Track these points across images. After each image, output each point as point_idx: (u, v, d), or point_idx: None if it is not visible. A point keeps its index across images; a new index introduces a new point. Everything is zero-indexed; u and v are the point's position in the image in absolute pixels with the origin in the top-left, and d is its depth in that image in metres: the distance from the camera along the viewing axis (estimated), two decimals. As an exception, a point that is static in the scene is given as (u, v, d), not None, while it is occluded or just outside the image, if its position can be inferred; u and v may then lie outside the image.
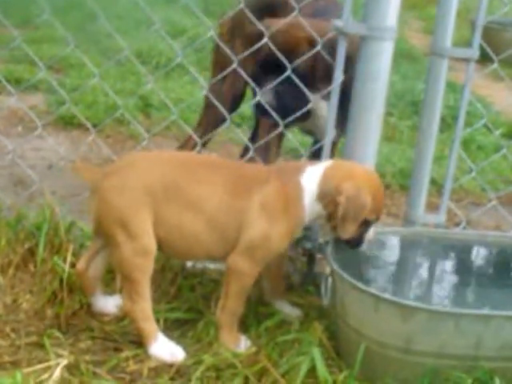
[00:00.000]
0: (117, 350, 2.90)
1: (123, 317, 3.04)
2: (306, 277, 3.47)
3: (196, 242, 2.89)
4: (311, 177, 2.89)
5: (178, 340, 2.96)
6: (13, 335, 2.92)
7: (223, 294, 2.95)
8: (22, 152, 4.65)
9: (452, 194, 3.72)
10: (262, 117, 3.63)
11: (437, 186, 4.42)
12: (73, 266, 3.12)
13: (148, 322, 2.89)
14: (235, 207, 2.86)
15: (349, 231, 2.87)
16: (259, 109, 3.52)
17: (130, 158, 3.04)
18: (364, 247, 3.01)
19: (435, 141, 3.43)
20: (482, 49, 3.37)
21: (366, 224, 2.90)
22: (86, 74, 5.99)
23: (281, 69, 3.37)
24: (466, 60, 3.36)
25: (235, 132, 4.49)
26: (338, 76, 3.21)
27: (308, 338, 2.91)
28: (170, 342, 2.91)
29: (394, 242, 3.31)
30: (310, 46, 3.40)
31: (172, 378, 2.76)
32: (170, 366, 2.82)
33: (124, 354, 2.85)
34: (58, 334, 2.91)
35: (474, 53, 3.33)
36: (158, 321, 2.99)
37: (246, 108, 4.50)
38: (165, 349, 2.88)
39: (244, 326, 3.05)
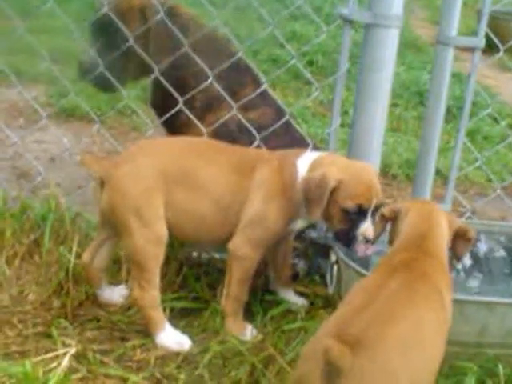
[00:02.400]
0: (123, 339, 2.91)
1: (129, 307, 3.06)
2: (312, 266, 3.47)
3: (202, 224, 2.92)
4: (305, 163, 2.91)
5: (184, 329, 2.97)
6: (20, 326, 2.92)
7: (226, 281, 2.97)
8: (25, 144, 4.65)
9: (457, 184, 3.72)
10: (83, 78, 3.53)
11: (442, 176, 4.42)
12: (78, 256, 3.12)
13: (156, 311, 2.90)
14: (240, 186, 2.91)
15: (314, 213, 2.83)
16: (81, 69, 3.48)
17: (139, 145, 3.04)
18: (360, 249, 2.88)
19: (441, 131, 3.43)
20: (488, 39, 3.37)
21: (347, 214, 2.83)
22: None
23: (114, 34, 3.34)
24: (472, 49, 3.36)
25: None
26: (344, 63, 3.21)
27: (314, 327, 2.91)
28: (177, 331, 2.92)
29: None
30: (141, 12, 3.37)
31: (179, 367, 2.77)
32: (177, 354, 2.83)
33: (131, 343, 2.86)
34: (65, 323, 2.92)
35: (480, 41, 3.32)
36: (164, 310, 3.00)
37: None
38: (172, 337, 2.89)
39: (250, 315, 3.06)
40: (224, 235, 2.95)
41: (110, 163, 2.94)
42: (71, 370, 2.55)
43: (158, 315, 2.91)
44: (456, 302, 2.62)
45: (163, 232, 2.86)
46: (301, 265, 3.51)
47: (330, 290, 3.10)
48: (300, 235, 3.46)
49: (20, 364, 2.49)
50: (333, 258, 3.18)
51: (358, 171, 2.86)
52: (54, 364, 2.54)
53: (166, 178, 2.85)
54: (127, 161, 2.90)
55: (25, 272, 3.23)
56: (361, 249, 2.87)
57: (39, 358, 2.59)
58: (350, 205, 2.80)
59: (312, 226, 3.50)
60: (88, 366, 2.64)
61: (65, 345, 2.74)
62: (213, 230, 2.95)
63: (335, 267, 3.17)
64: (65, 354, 2.59)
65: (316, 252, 3.49)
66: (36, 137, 4.82)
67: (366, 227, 2.83)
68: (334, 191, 2.80)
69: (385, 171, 4.87)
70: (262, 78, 3.51)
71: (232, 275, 2.95)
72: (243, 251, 2.92)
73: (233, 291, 2.95)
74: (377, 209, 2.83)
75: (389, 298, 2.13)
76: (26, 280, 3.20)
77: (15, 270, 3.23)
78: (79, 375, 2.55)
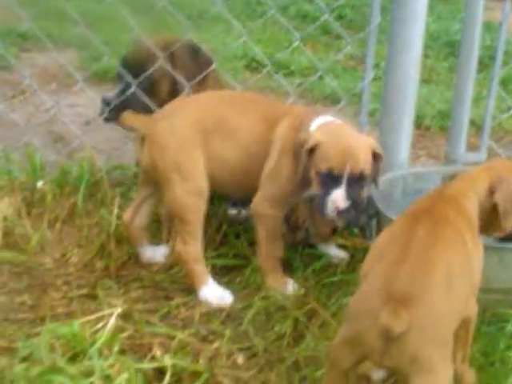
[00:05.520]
0: (167, 298, 2.95)
1: (172, 266, 3.09)
2: (351, 219, 3.47)
3: (233, 173, 2.94)
4: (317, 124, 2.86)
5: (227, 286, 3.00)
6: (64, 288, 2.97)
7: (257, 240, 2.99)
8: (59, 109, 4.66)
9: (491, 133, 3.68)
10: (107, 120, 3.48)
11: (476, 126, 4.37)
12: (119, 218, 3.16)
13: (199, 264, 2.93)
14: (264, 137, 2.91)
15: (297, 173, 2.78)
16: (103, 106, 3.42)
17: (177, 103, 3.06)
18: (332, 215, 2.76)
19: (474, 81, 3.39)
20: (518, -15, 3.31)
21: (320, 178, 2.75)
22: (118, 28, 5.94)
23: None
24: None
25: (273, 79, 4.46)
26: (376, 16, 3.18)
27: (355, 279, 2.92)
28: (219, 286, 2.95)
29: (436, 181, 3.29)
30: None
31: (223, 323, 2.81)
32: (221, 310, 2.87)
33: (175, 302, 2.90)
34: (109, 283, 2.97)
35: (511, -12, 3.27)
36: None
37: (283, 56, 4.44)
38: (214, 292, 2.93)
39: (291, 270, 3.09)
40: (252, 188, 2.95)
41: (150, 120, 2.97)
42: (118, 330, 2.57)
43: (201, 269, 2.94)
44: (495, 249, 2.66)
45: (203, 184, 2.89)
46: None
47: (370, 242, 3.10)
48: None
49: (67, 325, 2.52)
50: (371, 210, 3.19)
51: (339, 135, 2.78)
52: (101, 324, 2.57)
53: (202, 130, 2.88)
54: (166, 117, 2.93)
55: (66, 235, 3.28)
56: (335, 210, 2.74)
57: (85, 319, 2.62)
58: (322, 167, 2.73)
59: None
60: (134, 325, 2.67)
61: (110, 305, 2.77)
62: (242, 180, 2.96)
63: (374, 219, 3.18)
64: (111, 314, 2.61)
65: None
66: (70, 101, 4.84)
67: (337, 195, 2.72)
68: (311, 153, 2.76)
69: (418, 123, 4.83)
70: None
71: (258, 234, 2.97)
72: (262, 209, 2.92)
73: (264, 250, 2.97)
74: (358, 178, 2.73)
75: (420, 246, 2.16)
76: (68, 243, 3.24)
77: (57, 233, 3.27)
78: (126, 334, 2.58)
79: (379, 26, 3.35)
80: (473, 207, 2.39)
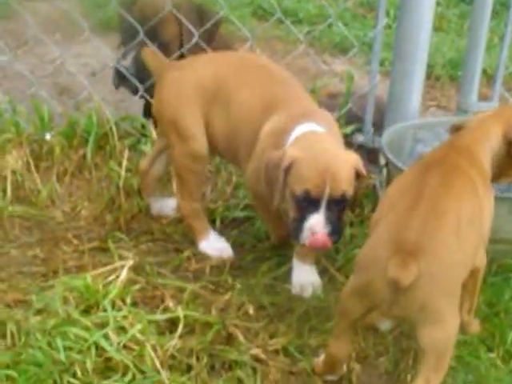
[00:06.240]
0: (178, 250, 2.96)
1: (181, 218, 3.08)
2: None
3: (231, 144, 2.77)
4: (296, 134, 2.54)
5: (237, 237, 3.01)
6: (75, 241, 2.98)
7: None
8: (64, 60, 4.61)
9: (503, 82, 3.64)
10: (119, 86, 3.51)
11: (487, 75, 4.32)
12: (128, 170, 3.15)
13: (197, 220, 2.93)
14: (257, 118, 2.66)
15: (275, 198, 2.46)
16: (118, 75, 3.43)
17: (197, 56, 2.97)
18: (304, 241, 2.43)
19: (488, 27, 3.34)
20: None
21: (296, 200, 2.42)
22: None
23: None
24: None
25: (280, 28, 4.40)
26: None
27: (363, 231, 2.93)
28: (221, 239, 2.95)
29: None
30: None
31: (234, 275, 2.81)
32: (231, 262, 2.88)
33: (185, 254, 2.91)
34: (120, 236, 2.98)
35: None
36: (214, 220, 3.03)
37: (290, 3, 4.38)
38: (213, 246, 2.92)
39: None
40: (243, 163, 2.77)
41: (164, 65, 2.89)
42: (130, 282, 2.59)
43: (200, 225, 2.93)
44: (504, 200, 2.66)
45: (200, 148, 2.79)
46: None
47: (380, 193, 3.10)
48: (347, 140, 3.44)
49: (80, 278, 2.54)
50: (382, 161, 3.18)
51: (318, 151, 2.42)
52: (113, 277, 2.58)
53: (204, 93, 2.76)
54: (176, 68, 2.85)
55: (76, 188, 3.27)
56: (313, 242, 2.43)
57: (97, 271, 2.63)
58: (297, 189, 2.40)
59: (359, 130, 3.48)
60: (146, 277, 2.69)
61: (122, 258, 2.79)
62: (235, 153, 2.77)
63: (384, 170, 3.16)
64: (122, 266, 2.62)
65: (364, 156, 3.47)
66: (74, 51, 4.77)
67: (315, 221, 2.40)
68: (287, 172, 2.42)
69: (428, 72, 4.77)
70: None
71: (259, 214, 2.93)
72: (249, 186, 2.79)
73: (263, 217, 2.92)
74: (338, 201, 2.40)
75: (431, 196, 2.15)
76: (78, 196, 3.24)
77: (66, 186, 3.27)
78: (138, 287, 2.60)
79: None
80: (485, 156, 2.37)
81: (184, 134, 2.78)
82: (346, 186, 2.39)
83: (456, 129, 2.49)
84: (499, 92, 3.51)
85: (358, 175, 2.45)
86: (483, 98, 3.59)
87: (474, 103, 3.43)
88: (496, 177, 2.43)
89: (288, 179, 2.42)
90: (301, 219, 2.41)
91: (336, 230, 2.41)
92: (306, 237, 2.41)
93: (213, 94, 2.77)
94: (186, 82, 2.79)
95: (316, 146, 2.44)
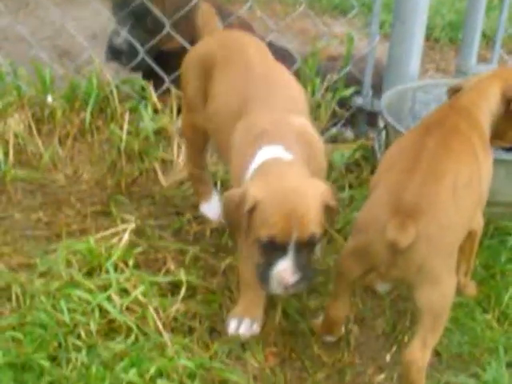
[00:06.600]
0: (178, 213, 3.00)
1: (182, 182, 3.12)
2: (359, 133, 3.48)
3: (220, 121, 2.57)
4: (256, 163, 2.29)
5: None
6: (78, 205, 3.01)
7: None
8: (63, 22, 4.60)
9: (503, 44, 3.63)
10: (112, 60, 3.53)
11: (486, 38, 4.30)
12: (129, 133, 3.17)
13: (199, 183, 2.95)
14: (235, 117, 2.46)
15: (240, 240, 2.35)
16: (110, 49, 3.45)
17: (221, 30, 2.92)
18: (278, 291, 2.21)
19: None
20: None
21: (261, 246, 2.17)
22: None
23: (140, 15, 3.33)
24: None
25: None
26: None
27: (362, 194, 2.95)
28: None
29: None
30: None
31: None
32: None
33: (186, 218, 2.94)
34: (122, 199, 3.02)
35: None
36: (215, 184, 3.06)
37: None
38: (214, 209, 2.93)
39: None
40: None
41: (209, 27, 2.85)
42: (132, 245, 2.62)
43: (202, 188, 2.94)
44: (502, 162, 2.66)
45: (196, 119, 2.73)
46: (348, 133, 3.52)
47: (378, 155, 3.12)
48: (346, 103, 3.46)
49: (83, 241, 2.58)
50: (381, 123, 3.19)
51: (282, 188, 2.16)
52: (115, 240, 2.62)
53: (204, 67, 2.66)
54: (207, 35, 2.80)
55: (77, 152, 3.29)
56: (284, 292, 2.21)
57: (100, 234, 2.67)
58: (262, 234, 2.15)
59: (358, 93, 3.49)
60: (148, 240, 2.73)
61: (123, 221, 2.82)
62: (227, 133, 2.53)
63: (383, 133, 3.18)
64: (124, 229, 2.66)
65: (363, 119, 3.49)
66: (74, 14, 4.75)
67: (284, 268, 2.16)
68: (250, 214, 2.17)
69: (427, 34, 4.75)
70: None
71: None
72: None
73: None
74: (307, 243, 2.16)
75: (430, 158, 2.17)
76: (80, 160, 3.27)
77: (68, 150, 3.28)
78: (140, 249, 2.63)
79: None
80: (484, 118, 2.38)
81: (185, 99, 2.80)
82: (314, 227, 2.15)
83: (454, 91, 2.50)
84: (498, 54, 3.51)
85: (328, 208, 2.20)
86: (482, 60, 3.59)
87: (474, 65, 3.43)
88: (496, 139, 2.45)
89: (251, 223, 2.17)
90: (268, 265, 2.19)
91: (306, 275, 2.18)
92: (274, 287, 2.20)
93: (209, 72, 2.65)
94: (196, 52, 2.77)
95: (280, 182, 2.18)
